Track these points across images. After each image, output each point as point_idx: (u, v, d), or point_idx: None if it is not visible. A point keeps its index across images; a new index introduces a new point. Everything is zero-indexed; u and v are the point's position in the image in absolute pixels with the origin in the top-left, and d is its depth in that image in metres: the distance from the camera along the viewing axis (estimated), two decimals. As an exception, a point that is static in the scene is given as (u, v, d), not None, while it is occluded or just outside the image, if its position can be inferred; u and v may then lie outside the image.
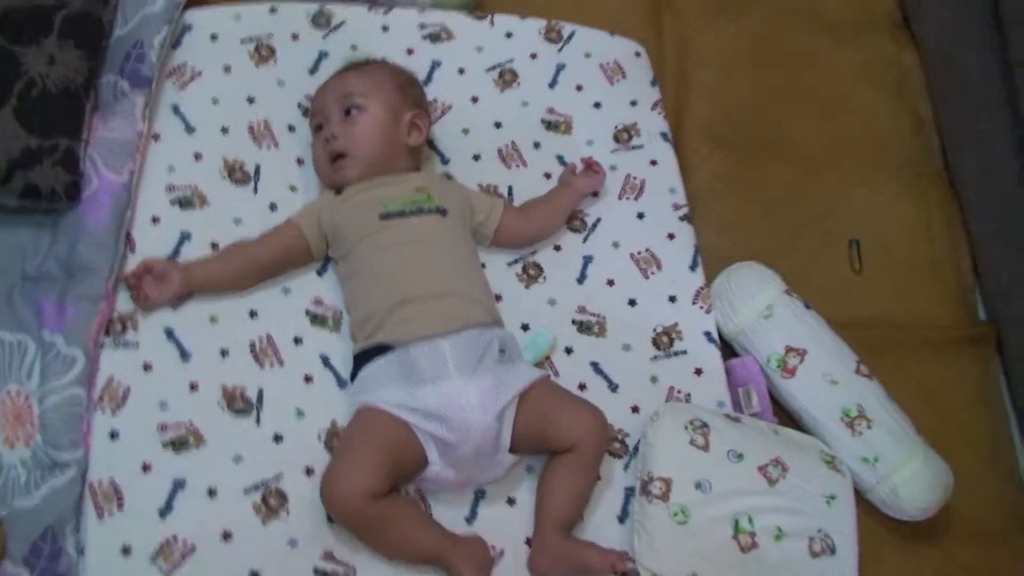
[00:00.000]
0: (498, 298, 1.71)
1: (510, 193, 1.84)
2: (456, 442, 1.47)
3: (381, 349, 1.52)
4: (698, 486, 1.54)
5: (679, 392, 1.71)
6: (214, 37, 1.84)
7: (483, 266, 1.71)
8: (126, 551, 1.40)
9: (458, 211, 1.68)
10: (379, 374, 1.51)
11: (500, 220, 1.73)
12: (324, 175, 1.71)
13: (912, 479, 1.67)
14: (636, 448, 1.63)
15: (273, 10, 1.90)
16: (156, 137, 1.71)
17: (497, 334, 1.57)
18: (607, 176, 1.86)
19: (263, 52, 1.85)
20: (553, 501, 1.52)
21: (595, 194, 1.85)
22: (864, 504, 1.69)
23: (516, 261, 1.77)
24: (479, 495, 1.56)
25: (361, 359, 1.55)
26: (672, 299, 1.79)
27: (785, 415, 1.77)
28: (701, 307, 1.79)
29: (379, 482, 1.42)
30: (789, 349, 1.74)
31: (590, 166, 1.84)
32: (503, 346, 1.56)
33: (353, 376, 1.56)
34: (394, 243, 1.60)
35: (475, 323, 1.55)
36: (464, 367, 1.50)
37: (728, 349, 1.81)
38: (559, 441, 1.52)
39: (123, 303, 1.56)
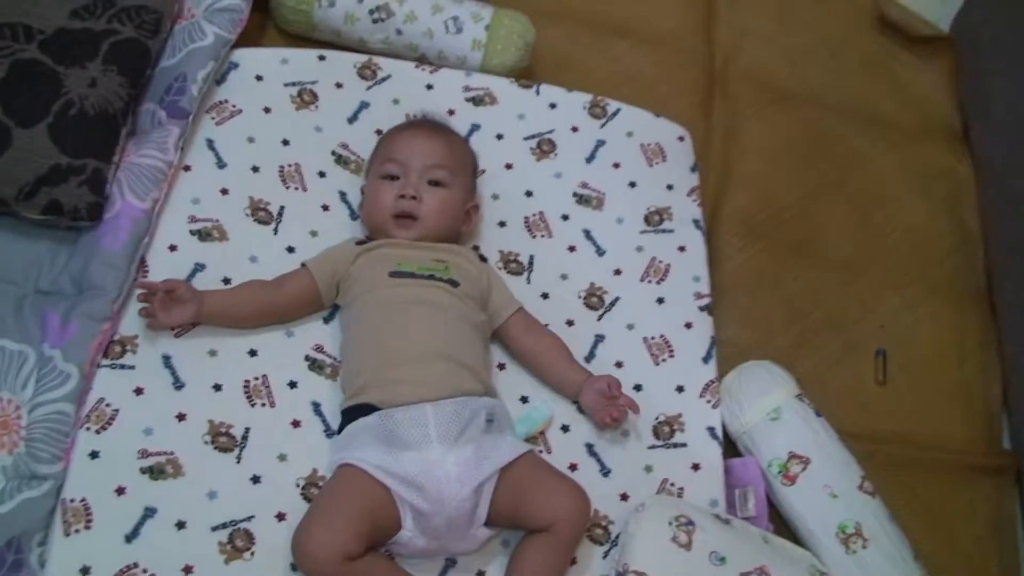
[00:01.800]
0: (501, 367, 1.69)
1: (531, 263, 1.82)
2: (429, 512, 1.44)
3: (367, 408, 1.51)
4: (672, 586, 1.50)
5: (672, 485, 1.67)
6: (259, 78, 1.87)
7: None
8: (85, 571, 1.40)
9: (473, 290, 1.65)
10: (362, 434, 1.49)
11: (505, 321, 1.69)
12: (378, 222, 1.69)
13: (903, 608, 1.62)
14: (619, 537, 1.59)
15: (322, 58, 1.93)
16: (187, 168, 1.74)
17: (485, 404, 1.54)
18: (632, 257, 1.85)
19: (305, 97, 1.87)
20: (522, 581, 1.48)
21: (611, 420, 1.64)
22: (852, 626, 1.64)
23: (525, 332, 1.75)
24: (449, 564, 1.53)
25: (348, 414, 1.54)
26: (680, 389, 1.76)
27: (781, 523, 1.72)
28: (708, 401, 1.75)
29: (355, 545, 1.40)
30: (792, 455, 1.70)
31: (630, 407, 1.65)
32: (491, 416, 1.53)
33: (341, 428, 1.55)
34: (395, 302, 1.59)
35: (463, 391, 1.52)
36: (446, 436, 1.47)
37: (731, 448, 1.76)
38: (535, 520, 1.49)
39: (126, 327, 1.58)
